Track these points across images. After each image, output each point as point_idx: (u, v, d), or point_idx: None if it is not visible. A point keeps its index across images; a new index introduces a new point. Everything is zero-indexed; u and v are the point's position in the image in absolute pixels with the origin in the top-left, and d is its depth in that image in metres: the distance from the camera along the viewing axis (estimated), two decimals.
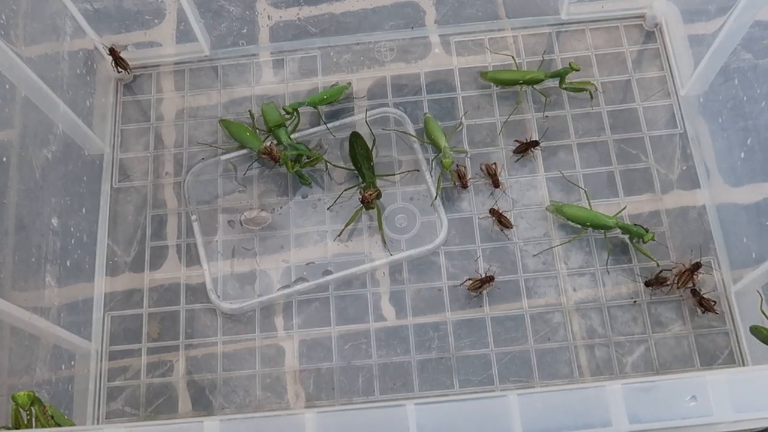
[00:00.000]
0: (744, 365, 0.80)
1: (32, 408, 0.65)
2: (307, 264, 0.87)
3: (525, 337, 0.83)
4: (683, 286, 0.82)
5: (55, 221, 0.80)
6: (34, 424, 0.64)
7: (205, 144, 0.93)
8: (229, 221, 0.90)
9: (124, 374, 0.84)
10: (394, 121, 0.94)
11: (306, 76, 0.97)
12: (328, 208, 0.89)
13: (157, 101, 0.97)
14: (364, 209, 0.87)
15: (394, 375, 0.82)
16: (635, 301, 0.83)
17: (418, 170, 0.91)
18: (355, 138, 0.91)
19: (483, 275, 0.83)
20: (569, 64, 0.90)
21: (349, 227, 0.88)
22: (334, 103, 0.94)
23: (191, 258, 0.89)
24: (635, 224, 0.83)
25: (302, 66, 0.98)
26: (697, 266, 0.82)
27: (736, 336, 0.81)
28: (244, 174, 0.92)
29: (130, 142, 0.95)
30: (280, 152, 0.88)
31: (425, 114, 0.92)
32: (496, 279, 0.83)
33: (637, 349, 0.81)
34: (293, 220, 0.89)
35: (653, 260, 0.83)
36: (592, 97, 0.92)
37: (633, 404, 0.48)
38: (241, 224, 0.89)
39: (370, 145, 0.91)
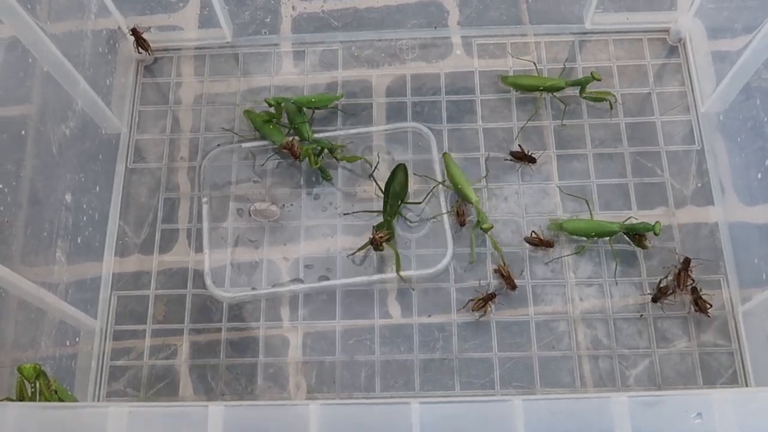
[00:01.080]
0: (747, 386, 0.80)
1: (37, 381, 0.65)
2: (306, 266, 0.87)
3: (529, 343, 0.83)
4: (685, 286, 0.81)
5: (68, 197, 0.81)
6: (38, 398, 0.65)
7: (227, 131, 0.93)
8: (238, 209, 0.90)
9: (128, 355, 0.84)
10: (415, 137, 0.93)
11: (326, 69, 0.97)
12: (343, 214, 0.89)
13: (176, 85, 0.97)
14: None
15: (396, 373, 0.82)
16: (641, 315, 0.83)
17: (439, 184, 0.88)
18: (400, 171, 0.88)
19: (484, 293, 0.83)
20: (591, 73, 0.90)
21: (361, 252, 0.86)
22: (321, 108, 0.93)
23: (201, 243, 0.89)
24: (641, 222, 0.83)
25: (323, 59, 0.98)
26: (687, 262, 0.82)
27: (741, 356, 0.81)
28: (262, 165, 0.92)
29: (147, 124, 0.95)
30: (300, 148, 0.88)
31: (444, 153, 0.90)
32: (498, 294, 0.83)
33: (641, 363, 0.81)
34: (302, 217, 0.89)
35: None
36: (612, 108, 0.92)
37: (638, 417, 0.48)
38: (250, 214, 0.89)
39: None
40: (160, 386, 0.83)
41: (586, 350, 0.82)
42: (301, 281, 0.86)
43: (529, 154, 0.89)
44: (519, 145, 0.90)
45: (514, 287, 0.83)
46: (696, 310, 0.81)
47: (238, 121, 0.95)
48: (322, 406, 0.49)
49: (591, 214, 0.86)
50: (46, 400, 0.65)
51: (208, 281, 0.86)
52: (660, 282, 0.83)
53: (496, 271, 0.83)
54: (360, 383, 0.82)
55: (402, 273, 0.84)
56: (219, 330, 0.85)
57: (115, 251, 0.89)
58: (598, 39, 0.97)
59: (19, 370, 0.66)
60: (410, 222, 0.87)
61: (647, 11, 0.97)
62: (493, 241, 0.84)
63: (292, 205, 0.90)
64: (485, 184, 0.90)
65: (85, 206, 0.85)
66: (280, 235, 0.89)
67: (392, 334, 0.84)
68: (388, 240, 0.83)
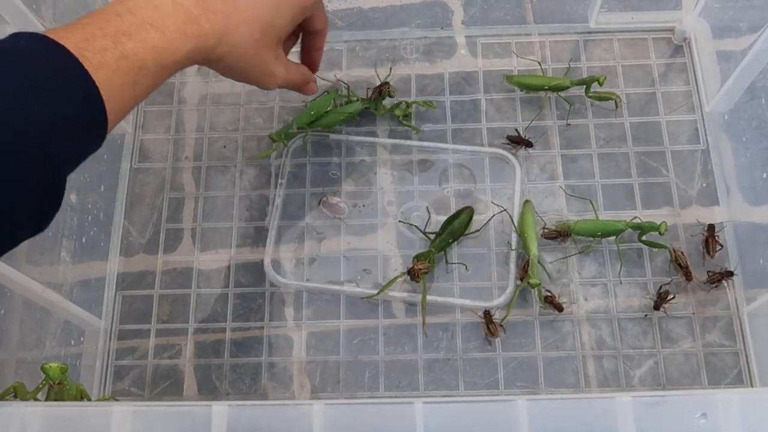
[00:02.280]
0: (752, 386, 0.79)
1: (58, 383, 0.65)
2: (364, 270, 0.86)
3: (533, 343, 0.83)
4: (715, 252, 0.82)
5: (73, 197, 0.81)
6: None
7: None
8: (310, 197, 0.90)
9: (132, 354, 0.84)
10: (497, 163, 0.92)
11: (330, 69, 0.97)
12: (399, 221, 0.88)
13: (180, 84, 0.97)
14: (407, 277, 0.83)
15: (400, 373, 0.82)
16: (646, 315, 0.83)
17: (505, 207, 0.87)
18: (466, 213, 0.86)
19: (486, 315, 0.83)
20: (597, 80, 0.90)
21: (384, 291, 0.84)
22: (338, 121, 0.91)
23: (206, 243, 0.89)
24: (647, 222, 0.83)
25: (327, 58, 0.98)
26: (712, 228, 0.84)
27: (746, 356, 0.81)
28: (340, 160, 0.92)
29: (152, 124, 0.95)
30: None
31: (526, 201, 0.88)
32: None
33: (646, 363, 0.81)
34: (371, 218, 0.89)
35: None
36: (617, 107, 0.92)
37: (642, 418, 0.48)
38: (320, 203, 0.89)
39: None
40: (165, 385, 0.83)
41: (590, 350, 0.82)
42: (357, 285, 0.86)
43: (526, 138, 0.89)
44: (516, 129, 0.90)
45: (561, 310, 0.82)
46: (686, 281, 0.83)
47: (242, 122, 0.95)
48: (326, 405, 0.49)
49: (596, 213, 0.86)
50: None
51: (267, 261, 0.87)
52: (660, 287, 0.83)
53: (546, 299, 0.82)
54: (364, 383, 0.82)
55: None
56: (223, 330, 0.85)
57: (119, 251, 0.89)
58: (602, 38, 0.97)
59: (43, 369, 0.65)
60: (450, 263, 0.86)
61: (652, 11, 0.97)
62: (540, 296, 0.82)
63: (364, 206, 0.90)
64: (489, 183, 0.90)
65: (89, 206, 0.85)
66: (346, 232, 0.89)
67: (396, 333, 0.84)
68: (426, 272, 0.82)
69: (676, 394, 0.49)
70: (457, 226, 0.85)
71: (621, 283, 0.84)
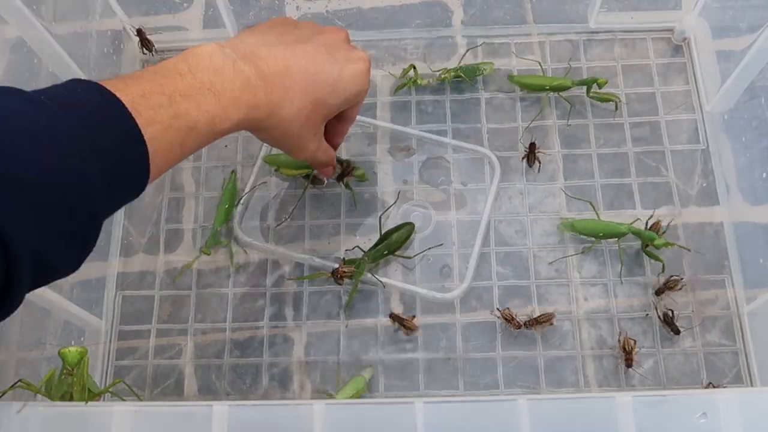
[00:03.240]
0: (752, 385, 0.79)
1: (74, 368, 0.65)
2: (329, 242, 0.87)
3: (533, 343, 0.83)
4: (629, 359, 0.80)
5: None
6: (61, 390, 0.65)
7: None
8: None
9: (133, 354, 0.84)
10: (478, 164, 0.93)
11: None
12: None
13: None
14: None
15: (400, 372, 0.82)
16: (647, 314, 0.83)
17: (441, 244, 0.87)
18: (407, 228, 0.86)
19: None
20: (597, 82, 0.90)
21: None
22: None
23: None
24: (647, 229, 0.83)
25: None
26: (673, 280, 0.83)
27: (746, 355, 0.81)
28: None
29: None
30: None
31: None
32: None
33: (646, 363, 0.81)
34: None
35: (661, 261, 0.83)
36: (617, 109, 0.92)
37: (642, 417, 0.48)
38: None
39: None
40: (165, 386, 0.83)
41: (590, 350, 0.82)
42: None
43: (537, 151, 0.89)
44: (534, 141, 0.90)
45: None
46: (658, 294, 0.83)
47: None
48: (327, 405, 0.49)
49: (597, 214, 0.86)
50: (75, 390, 0.65)
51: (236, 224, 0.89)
52: (671, 277, 0.83)
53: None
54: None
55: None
56: (224, 330, 0.85)
57: (120, 251, 0.89)
58: (602, 38, 0.97)
59: (61, 355, 0.65)
60: (374, 281, 0.85)
61: (652, 11, 0.97)
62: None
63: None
64: (490, 183, 0.90)
65: None
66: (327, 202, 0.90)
67: (396, 334, 0.84)
68: (350, 277, 0.82)
69: (677, 394, 0.49)
70: (395, 240, 0.85)
71: (621, 282, 0.84)
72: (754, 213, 0.83)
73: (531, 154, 0.89)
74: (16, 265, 0.44)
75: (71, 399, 0.65)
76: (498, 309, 0.83)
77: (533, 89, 0.93)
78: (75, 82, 0.52)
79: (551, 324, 0.82)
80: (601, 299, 0.84)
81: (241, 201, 0.89)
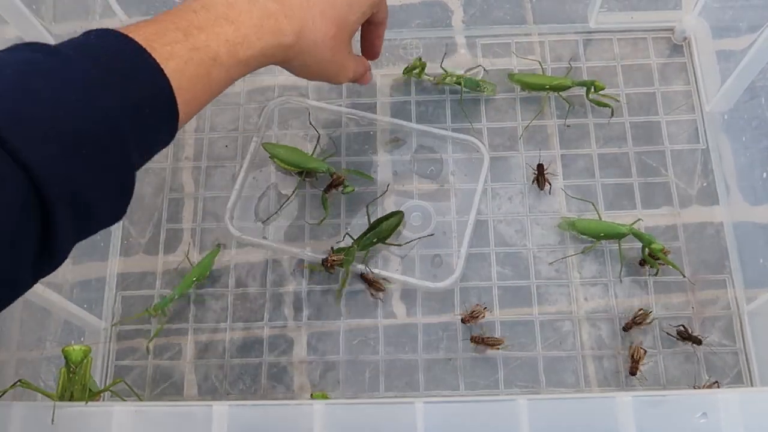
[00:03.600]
0: (752, 386, 0.79)
1: (77, 367, 0.65)
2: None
3: (533, 343, 0.83)
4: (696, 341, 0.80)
5: None
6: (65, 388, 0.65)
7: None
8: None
9: (132, 355, 0.84)
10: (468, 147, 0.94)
11: None
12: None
13: None
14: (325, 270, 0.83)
15: (400, 372, 0.82)
16: (649, 311, 0.83)
17: (432, 234, 0.87)
18: (397, 217, 0.86)
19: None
20: (594, 85, 0.90)
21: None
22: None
23: (205, 243, 0.89)
24: (648, 234, 0.83)
25: None
26: (641, 315, 0.82)
27: (746, 356, 0.81)
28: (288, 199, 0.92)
29: None
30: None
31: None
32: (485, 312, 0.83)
33: (646, 363, 0.81)
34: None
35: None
36: (612, 115, 0.92)
37: (642, 417, 0.48)
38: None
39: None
40: (165, 386, 0.83)
41: (590, 350, 0.82)
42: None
43: (546, 174, 0.88)
44: (541, 163, 0.89)
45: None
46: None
47: (242, 121, 0.95)
48: (327, 405, 0.49)
49: (599, 215, 0.86)
50: (76, 389, 0.64)
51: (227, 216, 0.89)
52: (636, 315, 0.82)
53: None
54: (364, 383, 0.82)
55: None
56: (224, 330, 0.85)
57: (120, 251, 0.89)
58: (602, 38, 0.97)
59: (65, 353, 0.64)
60: (368, 270, 0.85)
61: (652, 10, 0.97)
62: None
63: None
64: (490, 183, 0.90)
65: None
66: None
67: (397, 333, 0.84)
68: (341, 265, 0.82)
69: (677, 394, 0.49)
70: (384, 228, 0.85)
71: (621, 282, 0.84)
72: (754, 213, 0.83)
73: (540, 177, 0.88)
74: (54, 208, 0.43)
75: (72, 398, 0.65)
76: (465, 313, 0.83)
77: (533, 88, 0.93)
78: (87, 32, 0.52)
79: (497, 349, 0.82)
80: (601, 299, 0.84)
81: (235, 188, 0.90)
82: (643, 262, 0.84)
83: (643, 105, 0.93)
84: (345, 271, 0.83)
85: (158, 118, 0.52)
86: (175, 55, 0.53)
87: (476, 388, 0.81)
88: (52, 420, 0.51)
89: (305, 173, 0.90)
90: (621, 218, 0.86)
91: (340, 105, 0.95)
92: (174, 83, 0.52)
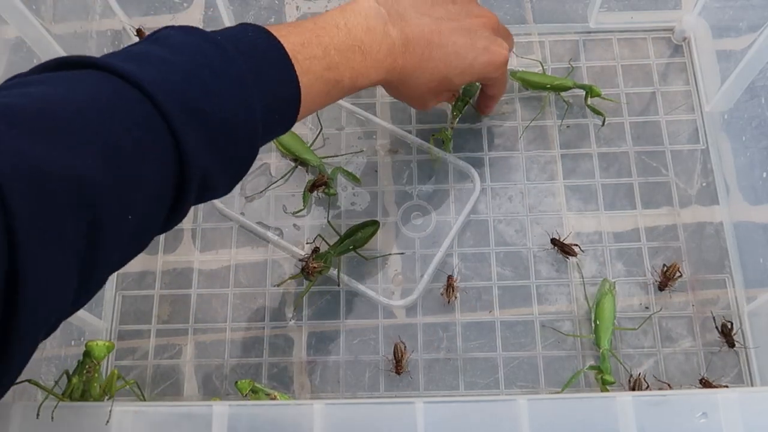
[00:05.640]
0: (752, 385, 0.79)
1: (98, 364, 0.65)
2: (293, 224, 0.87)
3: (533, 343, 0.83)
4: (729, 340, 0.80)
5: None
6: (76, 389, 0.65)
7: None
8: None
9: (132, 355, 0.84)
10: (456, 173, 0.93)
11: None
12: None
13: None
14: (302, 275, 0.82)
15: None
16: (647, 308, 0.83)
17: (403, 253, 0.87)
18: (373, 226, 0.86)
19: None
20: (591, 89, 0.90)
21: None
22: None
23: (206, 243, 0.89)
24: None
25: None
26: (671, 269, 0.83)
27: (746, 355, 0.81)
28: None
29: None
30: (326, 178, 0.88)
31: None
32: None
33: (646, 362, 0.81)
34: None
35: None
36: (603, 124, 0.91)
37: (642, 417, 0.48)
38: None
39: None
40: (165, 386, 0.83)
41: (590, 350, 0.82)
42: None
43: (570, 247, 0.85)
44: (558, 236, 0.86)
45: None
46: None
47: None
48: (327, 405, 0.49)
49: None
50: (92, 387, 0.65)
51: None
52: (664, 268, 0.83)
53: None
54: (364, 383, 0.82)
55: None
56: (224, 330, 0.85)
57: None
58: (602, 38, 0.97)
59: (89, 347, 0.64)
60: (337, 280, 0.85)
61: (652, 10, 0.97)
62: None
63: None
64: (489, 183, 0.90)
65: None
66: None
67: (396, 333, 0.84)
68: (320, 272, 0.82)
69: (677, 394, 0.49)
70: (360, 237, 0.85)
71: (622, 268, 0.85)
72: (754, 213, 0.83)
73: (562, 251, 0.85)
74: (189, 182, 0.51)
75: (82, 396, 0.65)
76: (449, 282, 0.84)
77: (535, 87, 0.93)
78: (245, 26, 0.58)
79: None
80: None
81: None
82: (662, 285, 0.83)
83: (642, 105, 0.93)
84: (315, 278, 0.83)
85: (280, 123, 0.60)
86: (311, 71, 0.59)
87: (476, 388, 0.81)
88: (52, 418, 0.51)
89: (299, 162, 0.91)
90: (621, 218, 0.86)
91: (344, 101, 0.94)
92: (302, 96, 0.59)
